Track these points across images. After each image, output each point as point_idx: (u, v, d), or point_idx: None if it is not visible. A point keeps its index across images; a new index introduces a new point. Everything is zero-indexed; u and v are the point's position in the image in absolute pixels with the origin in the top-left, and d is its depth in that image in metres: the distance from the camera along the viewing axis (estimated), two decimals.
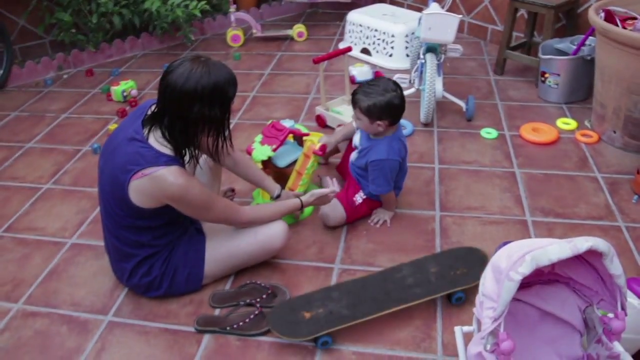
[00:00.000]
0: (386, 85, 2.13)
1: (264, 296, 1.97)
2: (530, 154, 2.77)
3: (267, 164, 2.43)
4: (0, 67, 3.70)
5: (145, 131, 1.78)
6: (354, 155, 2.34)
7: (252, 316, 1.89)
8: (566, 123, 2.99)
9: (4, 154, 3.02)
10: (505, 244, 1.96)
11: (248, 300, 1.97)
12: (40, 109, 3.50)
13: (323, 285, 2.04)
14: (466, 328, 1.39)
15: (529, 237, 2.23)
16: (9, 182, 2.78)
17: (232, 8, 4.21)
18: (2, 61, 3.71)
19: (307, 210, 2.36)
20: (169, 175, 1.72)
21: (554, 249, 1.13)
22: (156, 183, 1.73)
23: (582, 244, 1.11)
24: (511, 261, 1.16)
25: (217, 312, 1.97)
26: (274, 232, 2.02)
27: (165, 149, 1.76)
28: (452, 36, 2.78)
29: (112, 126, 3.12)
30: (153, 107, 1.85)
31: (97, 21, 3.81)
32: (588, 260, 1.24)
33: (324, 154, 2.37)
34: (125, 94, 3.43)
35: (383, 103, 2.08)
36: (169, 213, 1.87)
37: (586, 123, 3.00)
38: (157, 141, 1.76)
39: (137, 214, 1.82)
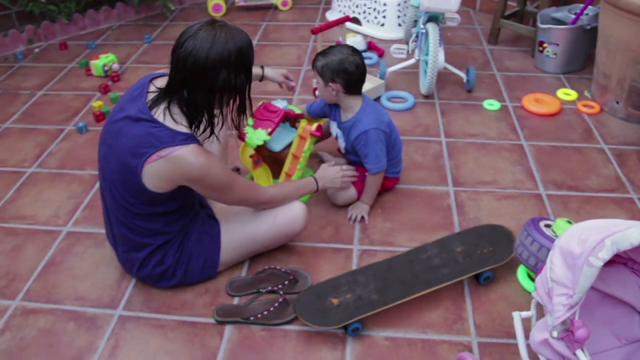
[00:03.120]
0: (343, 49, 2.07)
1: (286, 282, 1.88)
2: (534, 126, 2.73)
3: (261, 149, 2.25)
4: None
5: (155, 110, 1.63)
6: (341, 145, 2.26)
7: (276, 304, 1.79)
8: (567, 94, 2.96)
9: None
10: (534, 220, 1.92)
11: (270, 287, 1.87)
12: (13, 85, 3.25)
13: (344, 267, 1.96)
14: (525, 313, 1.33)
15: (546, 210, 2.20)
16: None
17: None
18: None
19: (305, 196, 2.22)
20: (189, 155, 1.59)
21: (634, 233, 1.07)
22: (175, 164, 1.59)
23: None
24: (588, 246, 1.09)
25: (235, 300, 1.87)
26: (294, 215, 1.91)
27: (180, 126, 1.62)
28: (457, 4, 2.68)
29: (96, 103, 2.92)
30: (157, 82, 1.70)
31: None
32: None
33: (322, 135, 2.22)
34: (106, 68, 3.21)
35: (335, 63, 2.03)
36: (184, 196, 1.74)
37: (586, 93, 2.97)
38: (171, 118, 1.61)
39: (151, 200, 1.68)
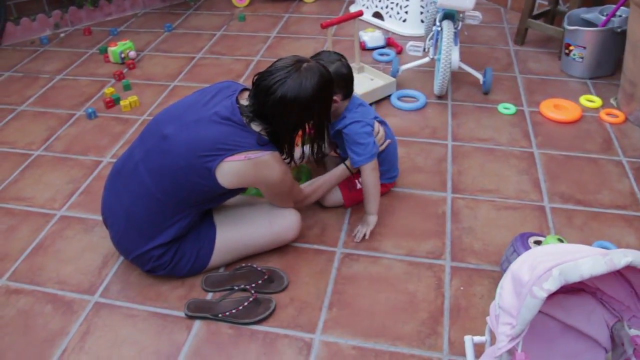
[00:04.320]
0: (329, 56, 1.95)
1: (260, 281, 1.85)
2: (550, 133, 2.59)
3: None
4: None
5: (245, 118, 1.69)
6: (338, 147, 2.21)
7: (245, 303, 1.77)
8: (590, 100, 2.80)
9: None
10: (523, 235, 1.83)
11: (243, 285, 1.85)
12: (35, 69, 3.33)
13: (323, 271, 1.92)
14: (477, 338, 1.25)
15: (547, 224, 2.08)
16: None
17: None
18: None
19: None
20: (274, 162, 1.71)
21: (586, 264, 0.98)
22: (260, 168, 1.69)
23: (619, 259, 0.96)
24: (535, 274, 1.01)
25: (209, 296, 1.85)
26: (289, 223, 1.92)
27: (265, 133, 1.72)
28: (473, 3, 2.57)
29: (108, 90, 2.96)
30: (244, 96, 1.76)
31: None
32: (621, 271, 1.10)
33: None
34: (122, 55, 3.25)
35: (332, 74, 1.87)
36: (229, 195, 1.82)
37: (612, 101, 2.80)
38: (259, 127, 1.70)
39: (206, 191, 1.71)
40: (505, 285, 1.10)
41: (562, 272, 0.98)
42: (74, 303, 1.85)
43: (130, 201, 1.77)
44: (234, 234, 1.88)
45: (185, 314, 1.78)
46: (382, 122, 2.11)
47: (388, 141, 2.09)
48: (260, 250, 1.96)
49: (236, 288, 1.84)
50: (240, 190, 1.82)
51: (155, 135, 1.75)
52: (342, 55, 1.99)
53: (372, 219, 2.05)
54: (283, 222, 1.92)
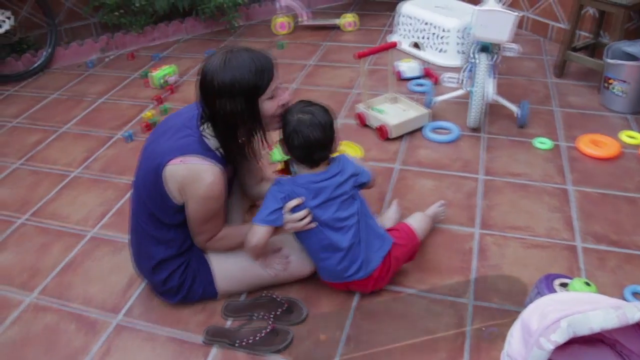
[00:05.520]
0: (304, 108, 1.75)
1: (279, 311, 1.84)
2: (586, 170, 2.52)
3: (287, 169, 2.26)
4: (45, 47, 3.70)
5: (202, 126, 1.69)
6: None
7: (263, 332, 1.76)
8: (631, 136, 2.70)
9: (39, 136, 3.00)
10: (548, 277, 1.77)
11: (262, 314, 1.85)
12: (80, 91, 3.47)
13: (344, 304, 1.90)
14: None
15: (577, 265, 2.01)
16: (40, 165, 2.75)
17: None
18: (47, 41, 3.70)
19: None
20: (209, 176, 1.62)
21: (597, 317, 0.94)
22: (192, 174, 1.62)
23: (633, 313, 0.92)
24: (544, 324, 0.97)
25: (229, 323, 1.86)
26: (306, 260, 1.89)
27: (216, 144, 1.68)
28: (508, 35, 2.54)
29: (147, 114, 3.05)
30: None
31: (140, 4, 3.73)
32: None
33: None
34: (162, 80, 3.35)
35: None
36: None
37: None
38: (210, 135, 1.68)
39: (169, 206, 1.71)
40: (515, 333, 1.07)
41: (571, 324, 0.94)
42: (97, 323, 1.89)
43: (131, 220, 1.87)
44: (230, 264, 1.87)
45: (203, 340, 1.79)
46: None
47: (307, 222, 1.74)
48: (273, 282, 1.92)
49: (255, 317, 1.84)
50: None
51: (142, 149, 1.82)
52: (324, 111, 1.73)
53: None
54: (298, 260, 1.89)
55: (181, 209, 1.71)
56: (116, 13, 3.80)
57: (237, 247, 1.82)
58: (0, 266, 2.16)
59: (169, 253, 1.81)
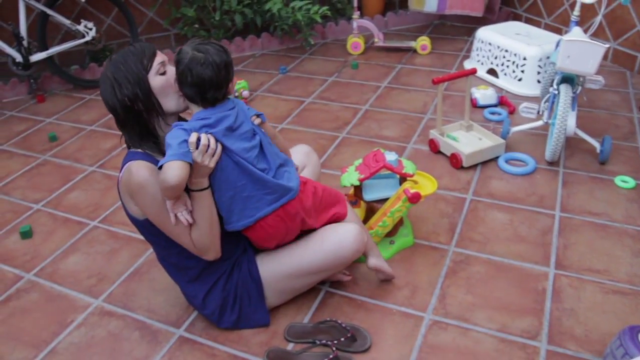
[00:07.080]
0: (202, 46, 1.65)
1: (343, 339, 1.80)
2: None
3: (358, 193, 2.23)
4: None
5: (132, 144, 1.75)
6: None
7: (325, 359, 1.72)
8: None
9: (114, 142, 3.10)
10: (633, 329, 1.64)
11: (325, 341, 1.80)
12: None
13: (409, 336, 1.83)
14: None
15: None
16: (114, 171, 2.83)
17: (356, 15, 4.06)
18: None
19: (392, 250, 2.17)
20: (135, 167, 1.61)
21: None
22: (126, 175, 1.64)
23: None
24: None
25: (290, 346, 1.83)
26: (341, 238, 1.80)
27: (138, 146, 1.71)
28: (595, 68, 2.42)
29: None
30: None
31: (219, 18, 3.82)
32: None
33: (416, 201, 2.04)
34: (236, 94, 3.40)
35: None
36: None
37: None
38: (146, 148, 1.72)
39: (139, 224, 1.75)
40: None
41: None
42: (159, 333, 1.90)
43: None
44: (280, 263, 1.84)
45: None
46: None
47: (214, 146, 1.60)
48: (317, 273, 1.85)
49: (318, 342, 1.81)
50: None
51: None
52: (220, 50, 1.63)
53: None
54: (335, 238, 1.80)
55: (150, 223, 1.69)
56: (195, 25, 3.90)
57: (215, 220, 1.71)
58: (70, 269, 2.22)
59: (187, 277, 1.84)
